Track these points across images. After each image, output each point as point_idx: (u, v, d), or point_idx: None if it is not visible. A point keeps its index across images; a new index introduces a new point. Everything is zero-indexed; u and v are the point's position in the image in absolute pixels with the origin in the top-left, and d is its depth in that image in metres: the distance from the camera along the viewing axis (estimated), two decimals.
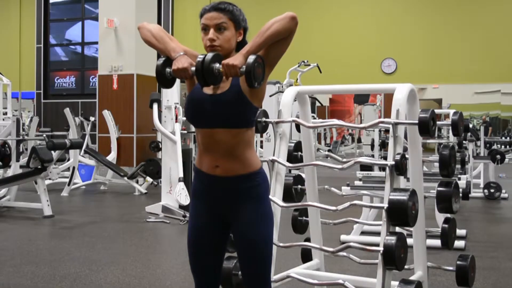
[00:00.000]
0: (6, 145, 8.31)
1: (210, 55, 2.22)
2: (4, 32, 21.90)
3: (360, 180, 6.23)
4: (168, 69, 2.34)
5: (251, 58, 2.21)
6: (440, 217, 5.71)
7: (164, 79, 2.37)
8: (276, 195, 3.27)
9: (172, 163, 7.56)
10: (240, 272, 2.66)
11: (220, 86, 2.36)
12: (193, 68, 2.26)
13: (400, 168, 2.87)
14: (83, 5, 20.78)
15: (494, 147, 12.54)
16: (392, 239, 2.70)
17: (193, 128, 7.81)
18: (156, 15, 12.91)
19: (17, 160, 8.28)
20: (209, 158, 2.40)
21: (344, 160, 3.23)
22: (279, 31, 2.28)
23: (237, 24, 2.42)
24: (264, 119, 3.41)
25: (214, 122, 2.35)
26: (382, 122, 3.11)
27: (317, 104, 15.76)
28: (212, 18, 2.38)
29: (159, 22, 16.84)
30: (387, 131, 4.84)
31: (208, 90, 2.38)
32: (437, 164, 3.43)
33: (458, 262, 3.42)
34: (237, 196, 2.40)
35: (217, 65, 2.22)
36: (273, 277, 3.15)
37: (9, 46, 21.70)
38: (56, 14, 21.36)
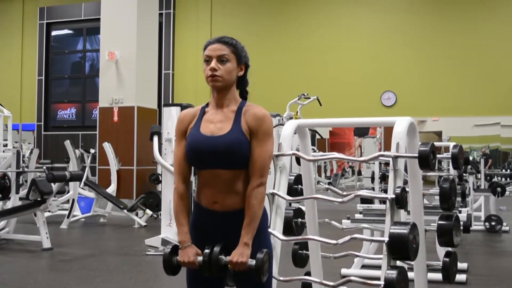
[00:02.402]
0: (6, 177, 8.30)
1: (217, 250, 2.33)
2: (6, 64, 22.06)
3: (360, 213, 6.21)
4: (174, 258, 2.44)
5: (260, 256, 2.30)
6: (441, 251, 5.68)
7: (171, 266, 2.46)
8: (276, 229, 3.25)
9: (172, 196, 7.53)
10: None
11: (221, 127, 2.38)
12: (200, 259, 2.37)
13: (400, 201, 2.86)
14: (85, 38, 20.96)
15: (495, 179, 12.53)
16: (393, 273, 2.68)
17: None
18: (157, 48, 13.00)
19: (17, 192, 8.26)
20: (208, 194, 2.42)
21: (345, 193, 3.22)
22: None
23: (239, 58, 2.45)
24: None
25: (215, 164, 2.36)
26: (382, 155, 3.11)
27: (317, 136, 15.80)
28: (215, 50, 2.42)
29: (160, 55, 16.94)
30: (387, 164, 4.84)
31: (207, 132, 2.40)
32: (437, 197, 3.43)
33: None
34: (236, 230, 2.39)
35: (224, 258, 2.33)
36: None
37: (10, 78, 21.85)
38: (58, 47, 21.53)
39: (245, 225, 2.34)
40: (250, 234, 2.33)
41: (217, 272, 2.33)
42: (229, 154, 2.35)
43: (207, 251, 2.33)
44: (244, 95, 2.54)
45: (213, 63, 2.41)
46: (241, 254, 2.29)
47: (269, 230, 2.61)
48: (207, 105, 2.51)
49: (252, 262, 2.29)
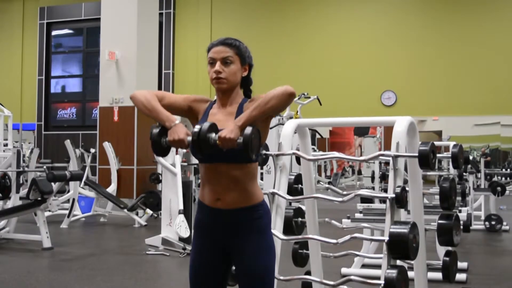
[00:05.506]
0: (6, 177, 8.30)
1: (206, 126, 2.23)
2: (6, 63, 22.04)
3: (360, 212, 6.22)
4: (163, 139, 2.34)
5: (248, 131, 2.23)
6: (441, 250, 5.68)
7: (160, 148, 2.37)
8: (276, 228, 3.26)
9: (172, 195, 7.55)
10: None
11: (224, 123, 2.39)
12: (189, 138, 2.26)
13: (400, 200, 2.87)
14: (85, 38, 20.95)
15: (495, 179, 12.53)
16: (393, 272, 2.69)
17: (193, 160, 7.81)
18: (157, 48, 12.99)
19: (17, 192, 8.27)
20: (211, 191, 2.42)
21: (345, 192, 3.23)
22: (276, 107, 2.32)
23: (243, 59, 2.48)
24: (264, 151, 3.42)
25: (218, 157, 2.37)
26: (382, 155, 3.12)
27: (317, 136, 15.79)
28: (219, 52, 2.45)
29: (160, 55, 16.92)
30: (387, 163, 4.84)
31: None
32: (437, 197, 3.43)
33: None
34: (239, 229, 2.40)
35: (213, 135, 2.24)
36: None
37: (11, 78, 21.82)
38: (58, 46, 21.52)
39: (248, 110, 2.31)
40: (245, 119, 2.27)
41: (207, 149, 2.23)
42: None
43: (196, 130, 2.21)
44: (248, 94, 2.57)
45: (218, 66, 2.44)
46: (231, 131, 2.23)
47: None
48: (215, 101, 2.54)
49: (240, 139, 2.21)
